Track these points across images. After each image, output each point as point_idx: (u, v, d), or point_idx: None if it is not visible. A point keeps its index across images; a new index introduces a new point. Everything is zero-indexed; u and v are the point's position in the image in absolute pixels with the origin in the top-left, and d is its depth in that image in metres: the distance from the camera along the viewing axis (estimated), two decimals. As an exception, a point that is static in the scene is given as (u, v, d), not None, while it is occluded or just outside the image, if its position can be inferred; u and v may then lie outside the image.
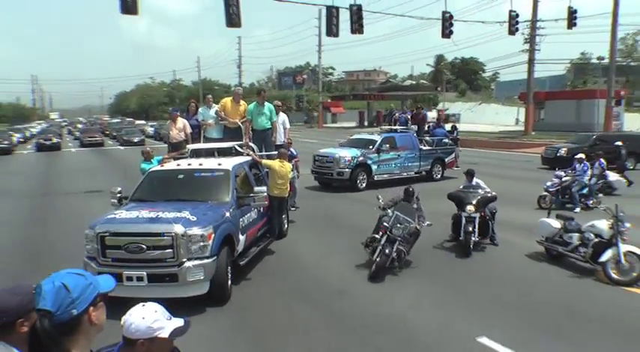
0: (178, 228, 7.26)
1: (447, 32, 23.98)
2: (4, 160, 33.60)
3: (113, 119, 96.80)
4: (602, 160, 15.59)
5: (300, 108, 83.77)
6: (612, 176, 16.18)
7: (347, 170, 17.82)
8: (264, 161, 10.76)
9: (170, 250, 7.22)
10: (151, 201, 8.66)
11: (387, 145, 18.74)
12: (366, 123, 69.81)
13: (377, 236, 8.93)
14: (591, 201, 14.35)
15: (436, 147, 20.67)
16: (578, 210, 13.92)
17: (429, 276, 8.87)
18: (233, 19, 19.28)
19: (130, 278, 7.16)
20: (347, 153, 18.20)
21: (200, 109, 12.85)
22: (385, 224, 8.88)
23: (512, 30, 25.29)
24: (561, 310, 7.31)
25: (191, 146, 11.24)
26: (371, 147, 18.73)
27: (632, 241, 8.61)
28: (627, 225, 8.50)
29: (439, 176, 20.61)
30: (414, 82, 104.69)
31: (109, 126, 68.40)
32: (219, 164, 9.60)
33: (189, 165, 9.76)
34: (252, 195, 8.98)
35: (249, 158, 10.47)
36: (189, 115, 13.15)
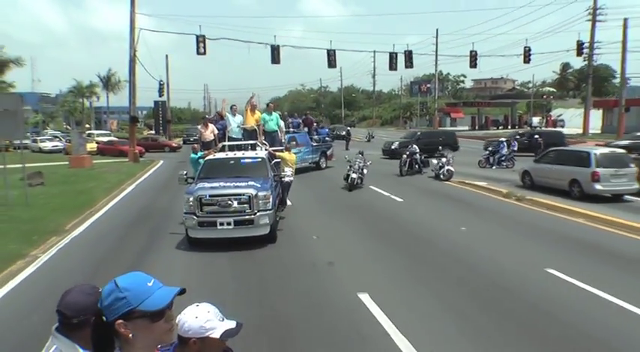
0: (252, 191, 10.65)
1: (472, 65, 36.23)
2: (198, 147, 51.27)
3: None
4: (515, 142, 27.64)
5: (425, 114, 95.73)
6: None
7: None
8: (279, 153, 14.22)
9: (247, 205, 10.58)
10: (215, 178, 11.50)
11: (293, 142, 21.44)
12: (476, 127, 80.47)
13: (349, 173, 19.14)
14: (506, 164, 26.54)
15: (321, 144, 26.04)
16: (494, 167, 26.28)
17: (380, 180, 22.44)
18: (331, 62, 33.86)
19: (222, 224, 10.51)
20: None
21: (228, 114, 15.44)
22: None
23: (527, 60, 36.55)
24: (416, 186, 20.56)
25: (223, 143, 14.48)
26: None
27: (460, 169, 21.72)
28: (452, 159, 21.58)
29: (324, 165, 25.61)
30: (536, 89, 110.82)
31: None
32: (257, 153, 13.11)
33: (234, 154, 13.06)
34: (283, 173, 12.93)
35: (266, 151, 13.74)
36: (216, 122, 16.29)
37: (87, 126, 75.26)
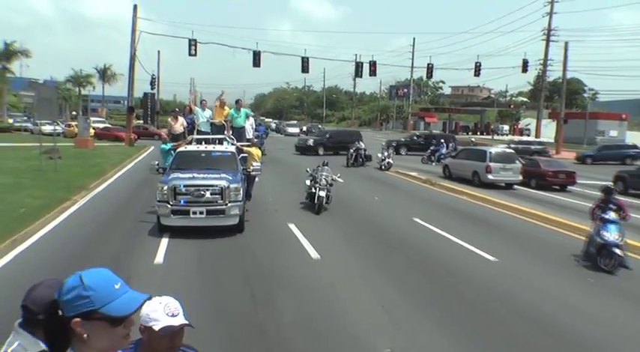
0: (224, 183, 11.37)
1: (428, 76, 41.62)
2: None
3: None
4: (451, 144, 33.07)
5: (401, 117, 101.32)
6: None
7: None
8: (246, 148, 14.64)
9: (219, 195, 11.27)
10: (188, 169, 12.12)
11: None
12: (447, 131, 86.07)
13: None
14: (443, 160, 31.85)
15: (259, 141, 24.82)
16: (434, 164, 31.59)
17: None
18: (304, 68, 38.82)
19: (195, 213, 11.19)
20: None
21: (197, 108, 15.89)
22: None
23: (477, 74, 42.00)
24: (358, 174, 25.74)
25: (194, 136, 14.90)
26: None
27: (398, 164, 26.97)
28: (392, 154, 26.83)
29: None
30: (510, 98, 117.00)
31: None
32: (227, 147, 13.77)
33: (205, 147, 13.73)
34: (252, 168, 13.49)
35: (233, 146, 14.24)
36: (185, 115, 16.82)
37: (73, 113, 78.24)
